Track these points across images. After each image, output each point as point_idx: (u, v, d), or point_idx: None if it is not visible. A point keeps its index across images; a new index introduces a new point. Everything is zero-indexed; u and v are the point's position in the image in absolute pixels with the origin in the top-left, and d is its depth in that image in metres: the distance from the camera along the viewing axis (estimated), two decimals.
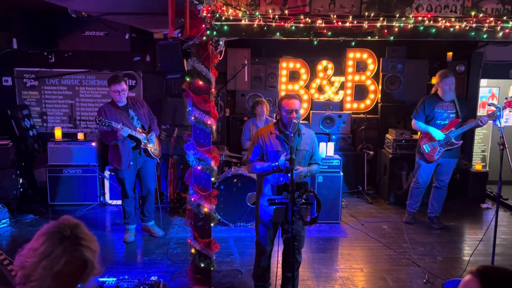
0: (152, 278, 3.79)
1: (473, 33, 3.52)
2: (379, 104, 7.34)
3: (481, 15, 3.53)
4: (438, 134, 5.43)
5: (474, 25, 3.48)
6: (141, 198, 5.52)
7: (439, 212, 5.83)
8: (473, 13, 3.53)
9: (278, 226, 3.75)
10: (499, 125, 4.39)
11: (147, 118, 5.29)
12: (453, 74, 5.50)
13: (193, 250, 3.80)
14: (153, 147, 5.26)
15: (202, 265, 3.79)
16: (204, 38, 3.42)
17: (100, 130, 5.03)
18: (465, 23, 3.48)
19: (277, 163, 3.57)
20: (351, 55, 7.28)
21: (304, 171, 3.66)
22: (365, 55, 7.29)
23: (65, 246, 1.67)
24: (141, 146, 5.12)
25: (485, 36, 3.52)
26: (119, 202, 6.46)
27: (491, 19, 3.49)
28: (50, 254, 1.64)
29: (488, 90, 7.74)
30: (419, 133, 5.72)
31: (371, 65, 7.32)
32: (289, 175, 3.23)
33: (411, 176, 6.06)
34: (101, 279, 3.71)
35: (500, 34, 3.54)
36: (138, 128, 5.10)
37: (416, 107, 5.66)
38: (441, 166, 5.64)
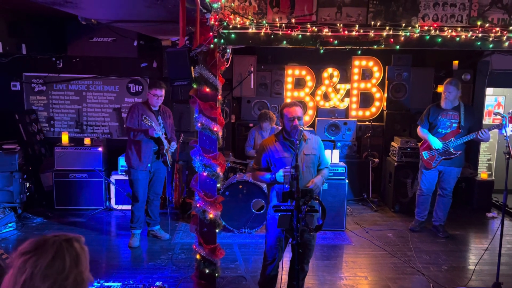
0: (157, 283, 3.81)
1: (479, 43, 3.53)
2: (385, 112, 7.34)
3: (487, 25, 3.55)
4: (436, 143, 5.47)
5: (480, 34, 3.50)
6: (147, 201, 5.52)
7: (443, 220, 5.82)
8: (479, 23, 3.55)
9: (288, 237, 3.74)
10: (505, 134, 4.39)
11: (171, 129, 5.44)
12: (454, 83, 5.45)
13: (198, 256, 3.81)
14: (170, 156, 5.38)
15: (207, 271, 3.80)
16: (212, 45, 3.46)
17: (130, 123, 5.11)
18: (471, 32, 3.50)
19: (274, 176, 3.55)
20: (356, 62, 7.30)
21: (319, 181, 3.65)
22: (370, 63, 7.31)
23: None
24: (163, 151, 5.21)
25: (491, 46, 3.54)
26: (125, 207, 6.52)
27: (497, 29, 3.51)
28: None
29: (494, 98, 7.73)
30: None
31: (377, 73, 7.34)
32: (295, 182, 3.24)
33: (416, 184, 6.06)
34: (106, 284, 3.74)
35: (506, 44, 3.55)
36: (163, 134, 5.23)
37: (422, 114, 5.74)
38: (443, 175, 5.65)
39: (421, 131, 5.69)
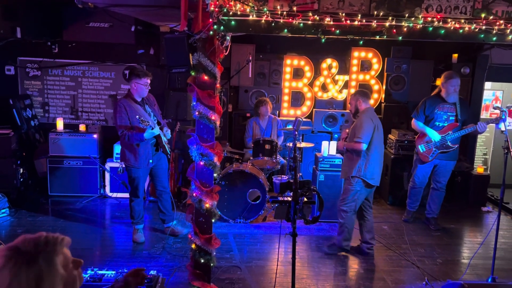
0: (151, 272, 3.77)
1: (482, 35, 3.49)
2: (383, 104, 7.31)
3: (491, 17, 3.50)
4: (434, 136, 5.45)
5: (483, 27, 3.45)
6: (157, 197, 5.30)
7: (436, 213, 5.84)
8: (483, 15, 3.50)
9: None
10: (502, 129, 4.37)
11: (159, 114, 5.16)
12: (458, 76, 5.46)
13: (193, 246, 3.78)
14: (167, 143, 5.13)
15: (202, 260, 3.77)
16: (211, 32, 3.39)
17: (122, 121, 4.76)
18: (474, 25, 3.45)
19: None
20: (356, 54, 7.25)
21: None
22: (370, 55, 7.26)
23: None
24: (163, 143, 4.97)
25: (494, 38, 3.49)
26: (120, 195, 6.47)
27: (501, 21, 3.46)
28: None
29: (492, 93, 7.72)
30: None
31: (376, 65, 7.29)
32: (293, 173, 3.21)
33: (410, 177, 6.06)
34: (100, 272, 3.70)
35: (510, 37, 3.50)
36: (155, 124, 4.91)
37: (417, 106, 5.69)
38: (438, 168, 5.65)
39: (416, 124, 5.64)
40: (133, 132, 4.75)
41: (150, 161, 4.98)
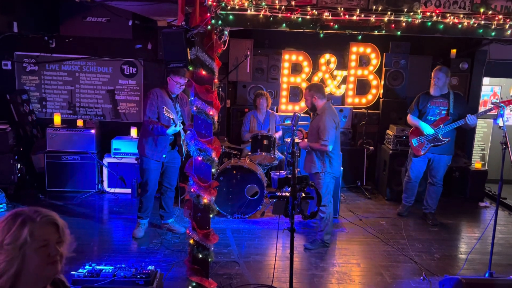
0: (149, 267, 3.78)
1: (481, 30, 3.48)
2: (381, 100, 7.30)
3: (490, 12, 3.49)
4: (427, 129, 5.53)
5: (482, 22, 3.44)
6: (161, 192, 5.30)
7: (434, 209, 5.87)
8: (482, 10, 3.48)
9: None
10: (500, 124, 4.38)
11: (188, 116, 5.16)
12: (444, 70, 5.51)
13: (191, 241, 3.78)
14: (186, 146, 5.05)
15: (200, 256, 3.77)
16: (209, 27, 3.37)
17: (150, 111, 4.83)
18: (473, 20, 3.44)
19: None
20: (354, 49, 7.23)
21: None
22: (368, 50, 7.24)
23: (23, 218, 1.68)
24: (180, 142, 4.99)
25: (493, 33, 3.48)
26: (117, 190, 6.47)
27: (500, 16, 3.45)
28: (9, 231, 1.64)
29: (490, 88, 7.72)
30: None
31: (374, 60, 7.27)
32: (291, 168, 3.21)
33: (405, 171, 6.07)
34: (97, 267, 3.70)
35: (509, 32, 3.49)
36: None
37: (412, 102, 5.82)
38: (433, 162, 5.71)
39: (411, 119, 5.76)
40: (159, 124, 4.80)
41: (164, 156, 5.00)
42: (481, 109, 7.64)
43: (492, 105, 4.53)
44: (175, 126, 4.76)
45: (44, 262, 1.67)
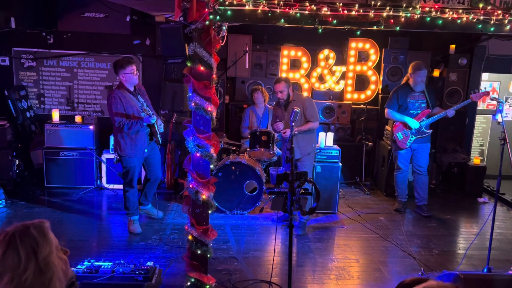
0: (148, 263, 3.78)
1: (480, 26, 3.46)
2: (380, 95, 7.29)
3: (489, 7, 3.47)
4: (413, 123, 5.66)
5: (481, 17, 3.43)
6: (146, 182, 5.36)
7: (426, 199, 5.94)
8: (481, 5, 3.47)
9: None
10: (499, 120, 4.38)
11: (150, 104, 5.14)
12: (424, 67, 5.65)
13: (190, 237, 3.77)
14: (158, 133, 5.12)
15: (199, 252, 3.76)
16: (207, 22, 3.35)
17: (118, 110, 4.76)
18: (472, 15, 3.42)
19: None
20: (353, 44, 7.21)
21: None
22: (367, 45, 7.22)
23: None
24: (157, 132, 5.00)
25: (492, 29, 3.47)
26: (116, 186, 6.46)
27: (499, 11, 3.43)
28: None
29: (489, 84, 7.71)
30: (389, 122, 6.07)
31: (373, 56, 7.26)
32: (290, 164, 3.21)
33: (397, 168, 6.06)
34: (96, 263, 3.70)
35: (508, 27, 3.48)
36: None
37: (389, 96, 5.90)
38: (416, 152, 5.83)
39: (391, 114, 5.83)
40: (132, 120, 4.77)
41: (146, 150, 5.02)
42: (480, 105, 7.66)
43: (497, 102, 4.55)
44: (151, 118, 4.79)
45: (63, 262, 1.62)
